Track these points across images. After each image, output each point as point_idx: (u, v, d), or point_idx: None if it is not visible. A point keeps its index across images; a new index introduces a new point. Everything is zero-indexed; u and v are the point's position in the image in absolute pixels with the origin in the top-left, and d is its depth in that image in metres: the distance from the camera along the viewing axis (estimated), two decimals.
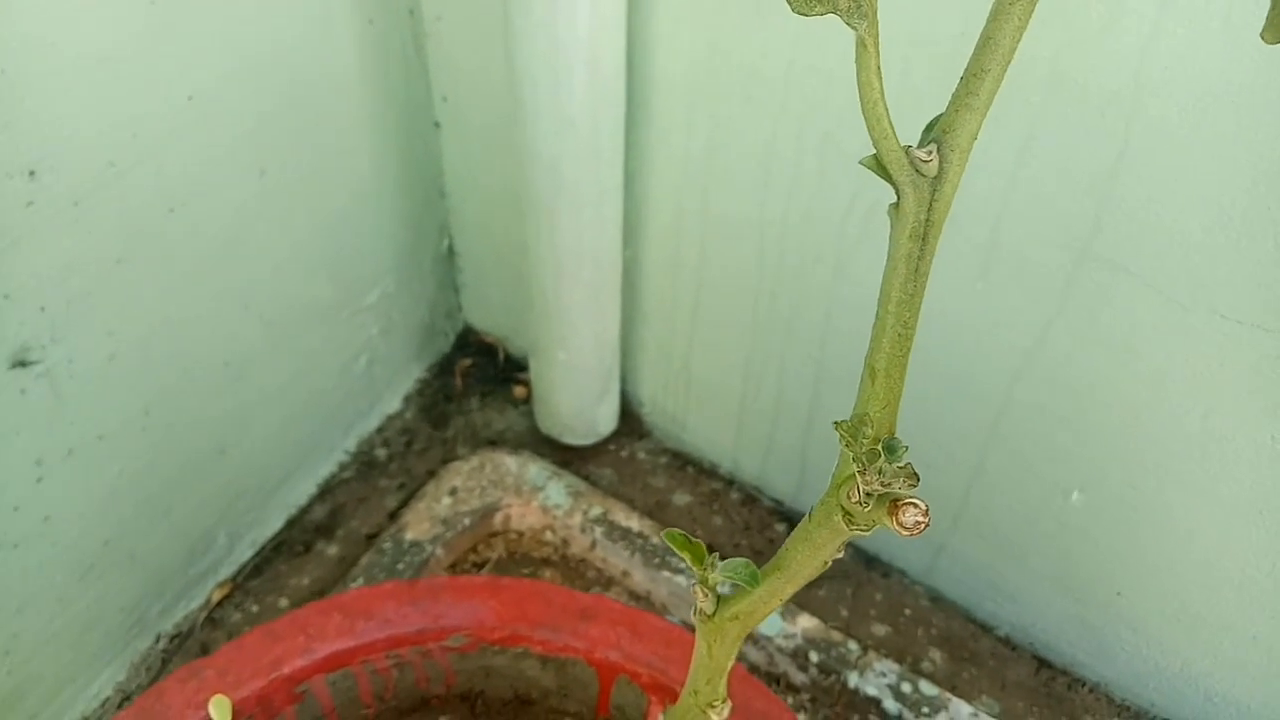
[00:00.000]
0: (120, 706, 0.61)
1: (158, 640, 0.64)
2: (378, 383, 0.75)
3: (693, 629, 0.30)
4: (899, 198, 0.23)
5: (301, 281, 0.64)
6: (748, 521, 0.73)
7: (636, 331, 0.73)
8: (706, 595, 0.29)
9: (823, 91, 0.53)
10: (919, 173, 0.22)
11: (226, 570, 0.67)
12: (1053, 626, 0.65)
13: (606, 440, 0.76)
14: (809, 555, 0.27)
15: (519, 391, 0.80)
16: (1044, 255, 0.51)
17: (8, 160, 0.45)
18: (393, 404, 0.77)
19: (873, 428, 0.22)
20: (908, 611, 0.68)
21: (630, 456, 0.76)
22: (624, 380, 0.76)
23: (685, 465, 0.76)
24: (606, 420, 0.75)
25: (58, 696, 0.58)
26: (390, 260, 0.71)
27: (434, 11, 0.64)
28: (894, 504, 0.22)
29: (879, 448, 0.22)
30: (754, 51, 0.53)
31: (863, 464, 0.22)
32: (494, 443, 0.76)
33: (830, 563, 0.28)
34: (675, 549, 0.28)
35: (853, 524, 0.24)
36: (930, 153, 0.22)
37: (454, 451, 0.75)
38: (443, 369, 0.80)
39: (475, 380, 0.80)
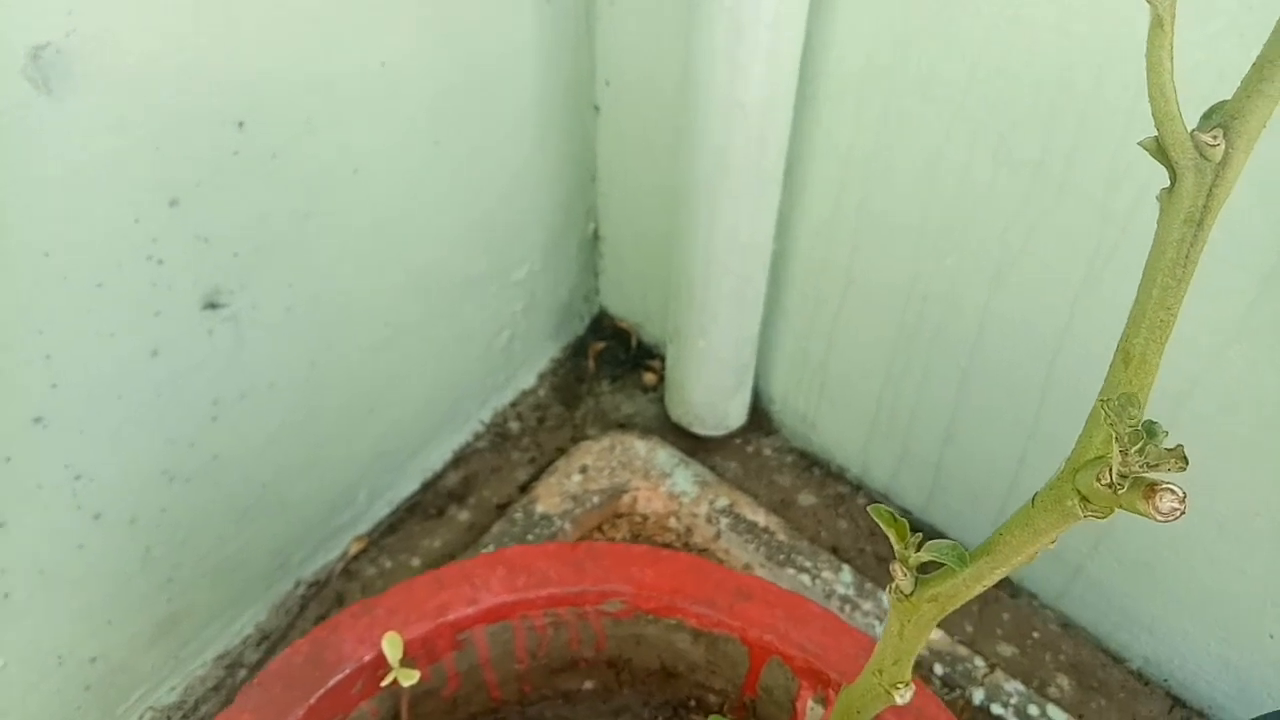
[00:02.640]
0: (259, 645, 0.64)
1: (297, 586, 0.66)
2: (515, 358, 0.77)
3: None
4: (1175, 181, 0.22)
5: (460, 253, 0.66)
6: (873, 528, 0.72)
7: (775, 327, 0.73)
8: (906, 574, 0.29)
9: (1005, 96, 0.52)
10: (1203, 156, 0.22)
11: (364, 526, 0.69)
12: (1191, 664, 0.63)
13: (734, 434, 0.77)
14: (1025, 540, 0.27)
15: (649, 378, 0.80)
16: (1226, 274, 0.49)
17: (221, 109, 0.47)
18: (528, 380, 0.79)
19: (1137, 408, 0.22)
20: (1036, 634, 0.67)
21: (757, 452, 0.76)
22: (757, 375, 0.76)
23: (812, 466, 0.76)
24: (737, 413, 0.75)
25: (206, 628, 0.61)
26: (539, 239, 0.73)
27: None
28: (1150, 488, 0.22)
29: (1141, 429, 0.22)
30: (936, 51, 0.53)
31: (1125, 444, 0.21)
32: (622, 426, 0.77)
33: (1039, 554, 0.28)
34: (880, 523, 0.29)
35: (1089, 509, 0.24)
36: (1216, 137, 0.22)
37: (583, 431, 0.76)
38: (576, 350, 0.82)
39: (607, 364, 0.81)
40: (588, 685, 0.47)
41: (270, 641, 0.64)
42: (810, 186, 0.64)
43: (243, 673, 0.63)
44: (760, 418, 0.78)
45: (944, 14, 0.52)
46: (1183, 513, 0.22)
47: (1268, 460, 0.53)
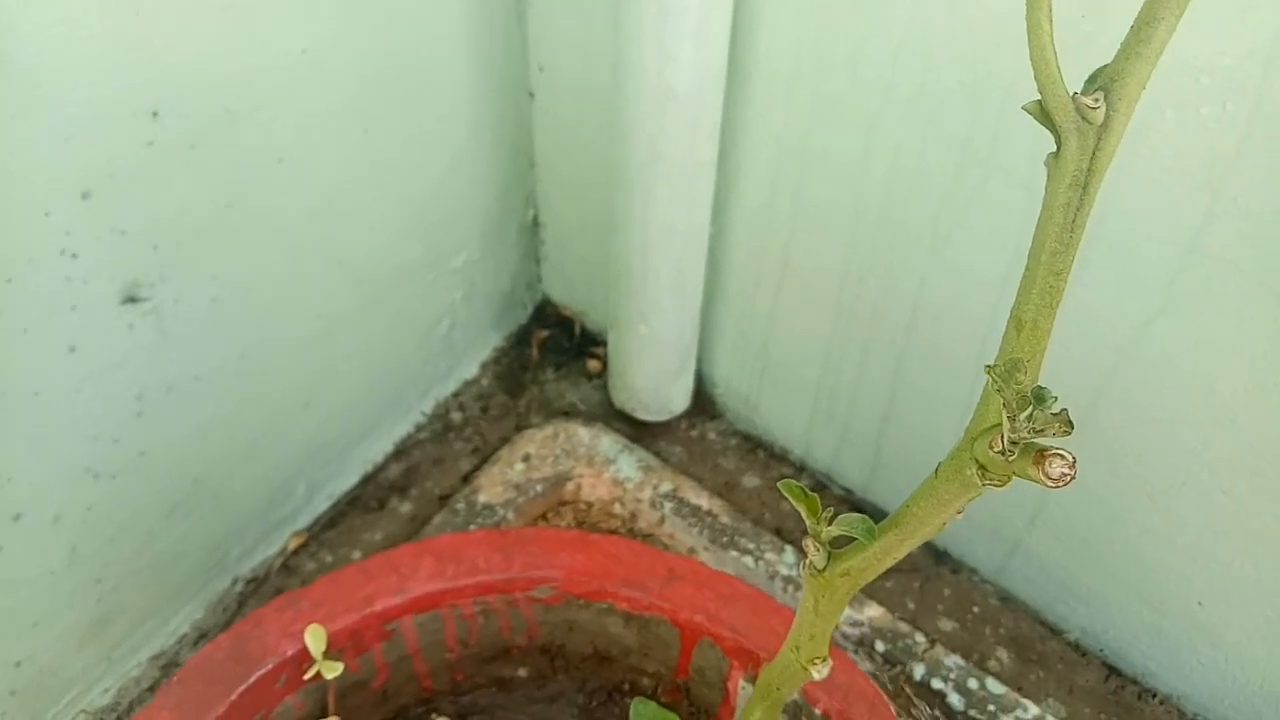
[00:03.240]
0: (196, 644, 0.63)
1: (234, 583, 0.65)
2: (457, 347, 0.76)
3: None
4: (1060, 145, 0.22)
5: (394, 241, 0.65)
6: None
7: (716, 311, 0.73)
8: (818, 549, 0.29)
9: (931, 73, 0.52)
10: (1085, 120, 0.22)
11: (303, 520, 0.68)
12: (1126, 633, 0.64)
13: (678, 418, 0.77)
14: (931, 512, 0.27)
15: (593, 365, 0.80)
16: (1149, 249, 0.50)
17: (134, 99, 0.46)
18: (470, 369, 0.78)
19: (1025, 374, 0.22)
20: (976, 609, 0.67)
21: (701, 436, 0.76)
22: (699, 360, 0.76)
23: (756, 448, 0.76)
24: (680, 398, 0.75)
25: (139, 628, 0.60)
26: (477, 227, 0.72)
27: None
28: (1040, 454, 0.22)
29: (1029, 394, 0.22)
30: (862, 32, 0.53)
31: (1013, 410, 0.21)
32: (567, 414, 0.77)
33: (947, 525, 0.28)
34: (790, 499, 0.28)
35: (987, 477, 0.24)
36: (1097, 100, 0.22)
37: (527, 420, 0.76)
38: (520, 338, 0.81)
39: (551, 351, 0.81)
40: (521, 672, 0.47)
41: (207, 639, 0.63)
42: (745, 171, 0.64)
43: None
44: (704, 402, 0.78)
45: None
46: (1072, 478, 0.22)
47: (1192, 431, 0.53)
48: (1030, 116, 0.23)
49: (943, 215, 0.56)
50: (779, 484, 0.29)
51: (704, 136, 0.59)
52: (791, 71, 0.57)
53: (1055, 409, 0.22)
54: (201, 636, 0.63)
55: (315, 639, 0.40)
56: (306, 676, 0.40)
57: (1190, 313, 0.50)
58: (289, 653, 0.41)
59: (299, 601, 0.42)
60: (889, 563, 0.29)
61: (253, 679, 0.40)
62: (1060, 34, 0.47)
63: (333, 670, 0.40)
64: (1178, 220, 0.48)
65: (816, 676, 0.31)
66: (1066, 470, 0.22)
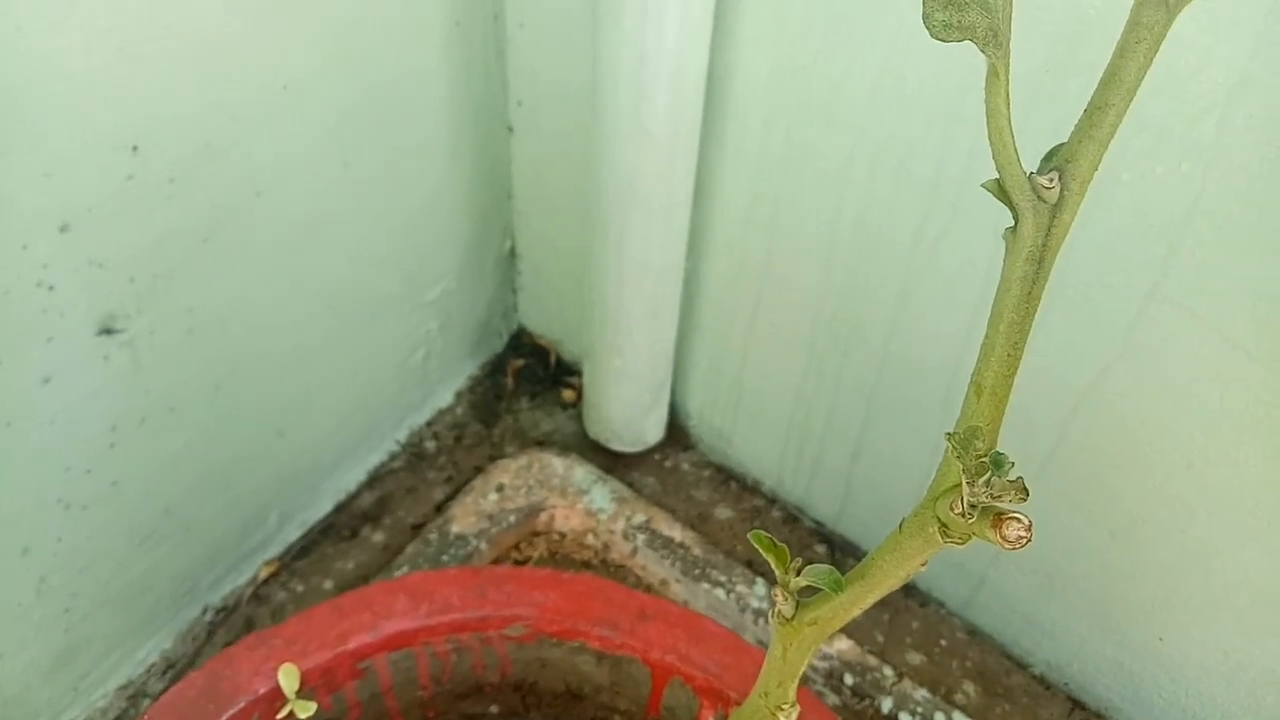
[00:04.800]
0: (164, 675, 0.63)
1: (204, 612, 0.65)
2: (431, 377, 0.77)
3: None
4: (1017, 222, 0.23)
5: (371, 273, 0.66)
6: (788, 540, 0.73)
7: (691, 344, 0.73)
8: (787, 599, 0.30)
9: (902, 119, 0.54)
10: (1040, 199, 0.23)
11: (275, 549, 0.68)
12: (1089, 668, 0.65)
13: (652, 450, 0.77)
14: (895, 565, 0.27)
15: (568, 395, 0.81)
16: (1109, 295, 0.51)
17: (114, 133, 0.46)
18: (445, 398, 0.78)
19: (984, 441, 0.23)
20: (943, 642, 0.68)
21: (674, 467, 0.77)
22: (674, 392, 0.77)
23: (729, 480, 0.76)
24: (654, 430, 0.76)
25: (107, 658, 0.60)
26: (454, 258, 0.73)
27: (517, 18, 0.66)
28: (998, 517, 0.23)
29: (987, 460, 0.23)
30: (836, 75, 0.54)
31: (971, 475, 0.22)
32: (541, 443, 0.77)
33: (911, 576, 0.29)
34: (760, 549, 0.29)
35: (948, 536, 0.25)
36: (1052, 180, 0.23)
37: (501, 449, 0.76)
38: (495, 368, 0.82)
39: (526, 381, 0.81)
40: (493, 710, 0.47)
41: (176, 670, 0.63)
42: (720, 207, 0.65)
43: (146, 703, 0.61)
44: (678, 433, 0.79)
45: (841, 44, 0.53)
46: (1028, 540, 0.23)
47: (1152, 472, 0.55)
48: (988, 190, 0.24)
49: (914, 259, 0.58)
50: (750, 535, 0.30)
51: (679, 176, 0.60)
52: (766, 113, 0.58)
53: (1012, 476, 0.23)
54: (170, 667, 0.63)
55: (288, 678, 0.40)
56: (279, 716, 0.40)
57: (1148, 358, 0.52)
58: (261, 691, 0.41)
59: (271, 639, 0.42)
60: (855, 612, 0.30)
61: (224, 717, 0.40)
62: (1023, 90, 0.48)
63: (305, 710, 0.40)
64: (1136, 268, 0.50)
65: None
66: (1023, 534, 0.23)
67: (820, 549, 0.73)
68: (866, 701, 0.63)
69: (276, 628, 0.42)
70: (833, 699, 0.64)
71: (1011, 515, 0.23)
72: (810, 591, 0.31)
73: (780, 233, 0.63)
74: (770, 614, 0.31)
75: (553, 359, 0.83)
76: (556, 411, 0.80)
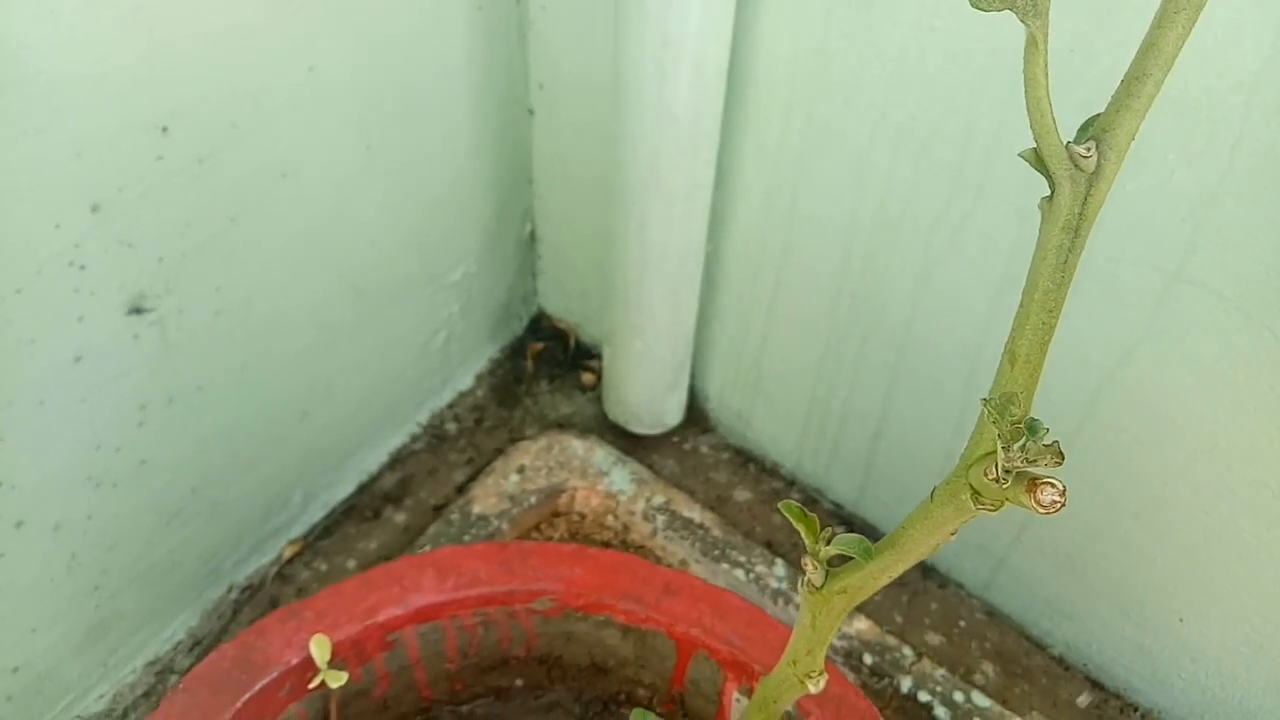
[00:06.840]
0: (191, 651, 0.63)
1: (230, 590, 0.66)
2: (452, 359, 0.77)
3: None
4: (1054, 191, 0.24)
5: (393, 255, 0.66)
6: None
7: (711, 327, 0.74)
8: (817, 568, 0.30)
9: (925, 100, 0.54)
10: (1077, 168, 0.23)
11: (299, 529, 0.69)
12: (1109, 649, 0.65)
13: (671, 432, 0.78)
14: (926, 533, 0.28)
15: (587, 378, 0.81)
16: (1135, 275, 0.51)
17: (145, 114, 0.47)
18: (465, 381, 0.79)
19: (1019, 407, 0.23)
20: (962, 623, 0.69)
21: (693, 450, 0.77)
22: (693, 374, 0.77)
23: (747, 462, 0.77)
24: (673, 412, 0.76)
25: (135, 634, 0.61)
26: (475, 241, 0.73)
27: (539, 1, 0.66)
28: (1032, 482, 0.23)
29: (1023, 426, 0.23)
30: (858, 57, 0.54)
31: (1007, 440, 0.23)
32: (560, 426, 0.78)
33: (940, 547, 0.29)
34: (791, 519, 0.30)
35: (980, 503, 0.25)
36: (1090, 149, 0.23)
37: (521, 431, 0.77)
38: (515, 351, 0.82)
39: (545, 364, 0.82)
40: (519, 683, 0.48)
41: (202, 647, 0.63)
42: (741, 189, 0.65)
43: (173, 679, 0.62)
44: (697, 415, 0.79)
45: (864, 24, 0.53)
46: (1062, 505, 0.23)
47: (1176, 452, 0.55)
48: (1025, 159, 0.24)
49: (934, 238, 0.58)
50: (780, 505, 0.30)
51: (702, 159, 0.60)
52: (787, 95, 0.58)
53: (1047, 440, 0.23)
54: (196, 643, 0.64)
55: (320, 649, 0.40)
56: (310, 685, 0.41)
57: (1174, 338, 0.52)
58: (293, 661, 0.41)
59: (302, 612, 0.42)
60: (884, 581, 0.30)
61: (257, 687, 0.40)
62: (1050, 69, 0.48)
63: (337, 680, 0.40)
64: (1162, 248, 0.50)
65: (813, 689, 0.32)
66: (1057, 498, 0.23)
67: (838, 530, 0.73)
68: (886, 680, 0.64)
69: (307, 600, 0.43)
70: (852, 678, 0.64)
71: (1046, 480, 0.23)
72: (839, 562, 0.31)
73: (801, 216, 0.63)
74: (800, 582, 0.31)
75: (572, 342, 0.83)
76: (576, 394, 0.80)
